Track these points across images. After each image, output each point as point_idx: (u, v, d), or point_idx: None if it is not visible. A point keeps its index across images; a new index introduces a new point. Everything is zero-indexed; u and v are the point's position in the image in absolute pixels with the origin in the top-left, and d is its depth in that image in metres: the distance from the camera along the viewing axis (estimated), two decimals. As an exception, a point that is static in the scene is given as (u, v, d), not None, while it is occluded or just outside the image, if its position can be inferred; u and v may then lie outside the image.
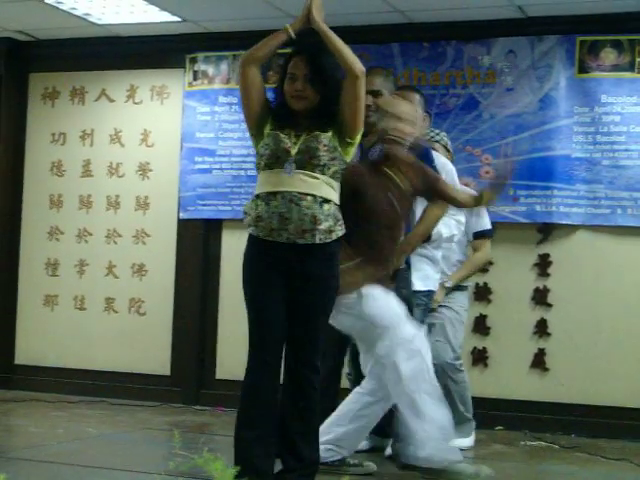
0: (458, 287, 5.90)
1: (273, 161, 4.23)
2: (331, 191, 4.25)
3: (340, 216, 4.29)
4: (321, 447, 4.65)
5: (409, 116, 4.89)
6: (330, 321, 4.56)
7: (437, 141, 5.64)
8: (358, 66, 4.20)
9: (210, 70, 7.75)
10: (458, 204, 5.06)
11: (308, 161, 4.20)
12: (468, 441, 5.71)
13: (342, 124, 4.26)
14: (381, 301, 4.76)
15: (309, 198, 4.18)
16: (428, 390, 4.66)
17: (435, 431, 4.64)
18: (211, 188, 7.61)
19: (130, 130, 8.04)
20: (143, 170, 7.97)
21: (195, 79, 7.80)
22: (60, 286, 8.15)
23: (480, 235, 6.06)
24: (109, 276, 8.02)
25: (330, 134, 4.25)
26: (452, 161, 5.61)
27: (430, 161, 5.10)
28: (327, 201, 4.22)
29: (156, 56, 7.93)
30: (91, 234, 8.09)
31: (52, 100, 8.28)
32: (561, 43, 6.87)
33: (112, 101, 8.10)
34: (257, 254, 4.28)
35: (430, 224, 5.18)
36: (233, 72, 7.61)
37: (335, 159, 4.25)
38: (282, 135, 4.24)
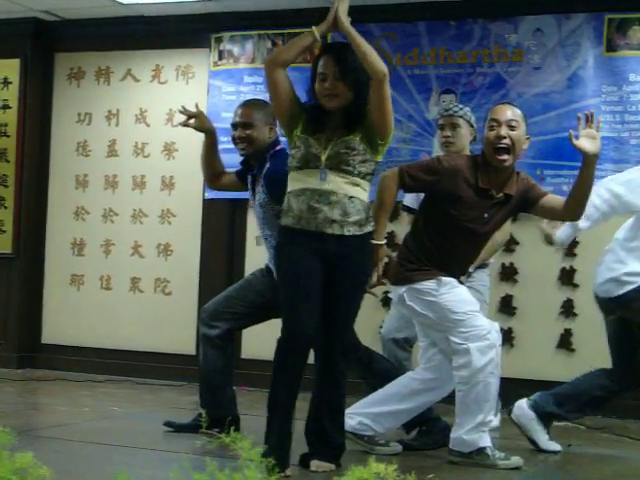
0: (479, 265, 5.87)
1: (303, 163, 4.30)
2: (360, 190, 4.32)
3: (370, 214, 4.32)
4: (357, 419, 4.73)
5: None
6: (400, 307, 4.65)
7: (461, 116, 5.60)
8: (381, 68, 4.21)
9: (235, 50, 7.73)
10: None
11: (337, 165, 4.26)
12: (495, 421, 5.70)
13: (371, 125, 4.28)
14: (459, 290, 4.79)
15: (339, 194, 4.24)
16: (492, 383, 4.69)
17: (484, 420, 4.69)
18: (236, 168, 7.60)
19: (155, 110, 8.04)
20: (168, 150, 7.97)
21: (220, 59, 7.79)
22: (86, 266, 8.18)
23: None
24: (135, 256, 8.04)
25: (359, 137, 4.28)
26: (474, 137, 5.54)
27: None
28: (354, 198, 4.28)
29: (181, 36, 7.92)
30: (117, 214, 8.11)
31: (78, 80, 8.29)
32: (589, 21, 6.81)
33: (137, 81, 8.10)
34: (289, 242, 4.34)
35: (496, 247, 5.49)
36: (258, 51, 7.59)
37: (366, 161, 4.30)
38: (312, 140, 4.29)
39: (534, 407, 5.25)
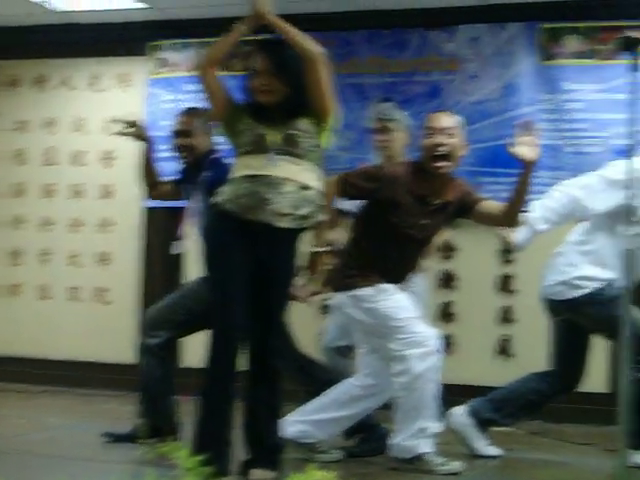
0: None
1: (252, 148, 4.23)
2: (312, 177, 4.26)
3: (322, 202, 4.30)
4: (297, 426, 4.74)
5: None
6: (338, 313, 4.65)
7: (394, 120, 5.56)
8: (315, 48, 4.19)
9: (174, 58, 7.71)
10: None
11: (289, 148, 4.21)
12: (437, 427, 5.73)
13: (313, 110, 4.27)
14: (398, 297, 4.81)
15: (290, 183, 4.18)
16: (432, 389, 4.73)
17: (424, 426, 4.72)
18: (175, 176, 7.56)
19: (93, 118, 8.00)
20: (107, 158, 7.92)
21: (159, 67, 7.76)
22: (23, 275, 8.11)
23: None
24: (73, 265, 7.98)
25: (307, 121, 4.26)
26: (408, 141, 5.55)
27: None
28: (308, 187, 4.23)
29: (120, 44, 7.88)
30: (54, 223, 8.04)
31: (14, 88, 8.22)
32: (524, 30, 6.90)
33: (75, 89, 8.05)
34: (226, 229, 4.23)
35: None
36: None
37: (315, 146, 4.28)
38: (260, 125, 4.24)
39: (471, 413, 5.30)
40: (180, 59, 7.69)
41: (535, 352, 6.58)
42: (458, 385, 6.68)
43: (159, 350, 5.23)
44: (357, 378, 5.00)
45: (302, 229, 4.29)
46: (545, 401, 5.40)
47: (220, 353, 4.20)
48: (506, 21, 6.94)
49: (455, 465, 4.76)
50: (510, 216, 4.84)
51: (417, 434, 4.71)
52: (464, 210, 4.93)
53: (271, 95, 4.25)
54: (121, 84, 7.93)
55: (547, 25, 6.87)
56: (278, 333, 4.42)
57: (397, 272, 4.88)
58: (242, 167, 4.25)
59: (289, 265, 4.37)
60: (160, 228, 7.74)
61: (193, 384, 6.86)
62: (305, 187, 4.22)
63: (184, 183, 5.32)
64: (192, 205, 5.24)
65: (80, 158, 8.00)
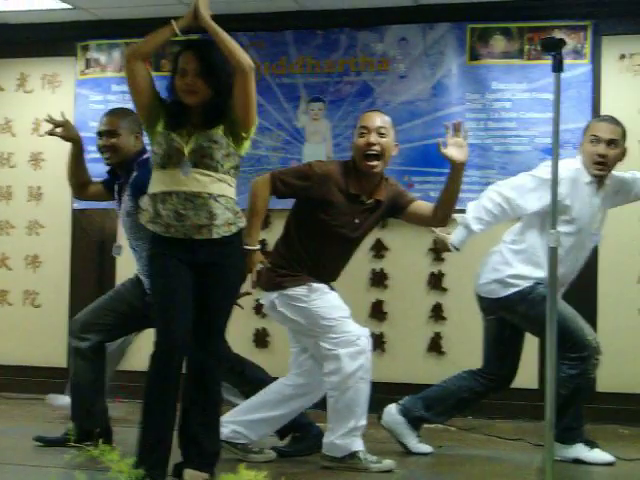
0: None
1: (166, 160, 4.25)
2: (226, 187, 4.28)
3: (239, 208, 4.31)
4: (230, 427, 4.74)
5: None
6: (270, 312, 4.66)
7: None
8: (246, 61, 4.19)
9: (102, 58, 7.66)
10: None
11: (201, 160, 4.22)
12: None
13: (235, 119, 4.27)
14: (329, 296, 4.83)
15: (204, 195, 4.21)
16: (363, 388, 4.75)
17: (356, 425, 4.75)
18: (103, 177, 7.51)
19: (21, 119, 7.91)
20: (35, 160, 7.84)
21: (87, 67, 7.71)
22: (-49, 279, 7.98)
23: None
24: (2, 268, 7.88)
25: (221, 130, 4.27)
26: None
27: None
28: (221, 197, 4.25)
29: (47, 44, 7.80)
30: (-18, 226, 7.94)
31: (-60, 89, 8.09)
32: (452, 30, 6.97)
33: (2, 90, 7.95)
34: (160, 250, 4.30)
35: None
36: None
37: (229, 155, 4.28)
38: (174, 134, 4.25)
39: (403, 411, 5.34)
40: (108, 60, 7.64)
41: (466, 349, 6.67)
42: (391, 383, 6.73)
43: (90, 353, 5.19)
44: (288, 378, 5.01)
45: (227, 237, 4.30)
46: (478, 399, 5.46)
47: (162, 367, 4.20)
48: (434, 22, 6.99)
49: (387, 463, 4.80)
50: (441, 216, 4.90)
51: (349, 433, 4.73)
52: (396, 210, 4.97)
53: (195, 96, 4.25)
54: (49, 85, 7.85)
55: (474, 25, 6.94)
56: (218, 339, 4.42)
57: (328, 271, 4.90)
58: (157, 182, 4.29)
59: (225, 272, 4.36)
60: (90, 230, 7.68)
61: (127, 387, 6.87)
62: (218, 197, 4.24)
63: (111, 184, 5.29)
64: (119, 206, 5.21)
65: (8, 160, 7.90)
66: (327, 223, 4.78)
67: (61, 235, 7.77)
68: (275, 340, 7.20)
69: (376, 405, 5.85)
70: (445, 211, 4.88)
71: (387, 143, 4.83)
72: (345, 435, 4.73)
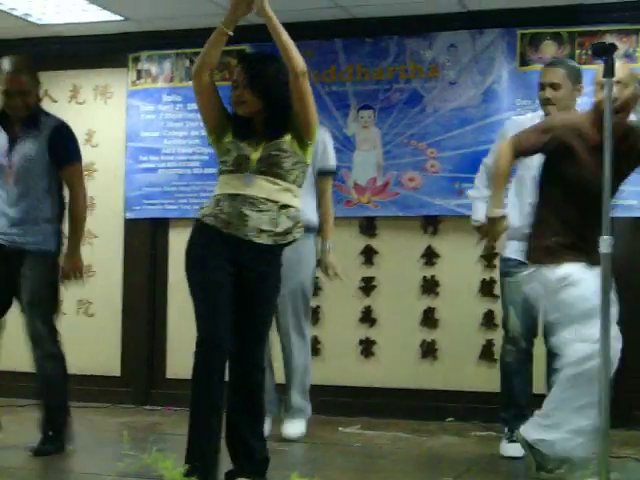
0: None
1: (235, 167, 4.27)
2: (292, 197, 4.31)
3: (300, 219, 4.32)
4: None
5: None
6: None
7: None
8: (299, 62, 4.21)
9: (153, 69, 7.72)
10: None
11: (269, 168, 4.24)
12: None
13: (298, 126, 4.29)
14: (585, 285, 4.52)
15: (269, 203, 4.23)
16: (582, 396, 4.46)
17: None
18: (157, 187, 7.58)
19: (74, 130, 7.96)
20: (88, 170, 7.89)
21: (138, 78, 7.77)
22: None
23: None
24: (56, 278, 7.95)
25: (289, 139, 4.28)
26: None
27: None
28: (286, 206, 4.28)
29: (98, 56, 7.87)
30: None
31: (-6, 101, 8.19)
32: (502, 36, 6.93)
33: (55, 102, 8.03)
34: (208, 241, 4.27)
35: None
36: (176, 70, 7.61)
37: (297, 163, 4.30)
38: (243, 143, 4.27)
39: None
40: (159, 70, 7.70)
41: (394, 352, 6.72)
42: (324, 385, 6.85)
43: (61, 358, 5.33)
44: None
45: (280, 246, 4.32)
46: None
47: (205, 365, 4.20)
48: (484, 27, 6.97)
49: None
50: None
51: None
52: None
53: (244, 106, 4.28)
54: (101, 96, 7.92)
55: (524, 31, 6.90)
56: (260, 346, 4.42)
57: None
58: (223, 185, 4.31)
59: (271, 280, 4.38)
60: (142, 239, 7.74)
61: (177, 395, 6.91)
62: (283, 206, 4.26)
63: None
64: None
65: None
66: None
67: (114, 245, 7.83)
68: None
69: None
70: None
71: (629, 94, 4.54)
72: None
